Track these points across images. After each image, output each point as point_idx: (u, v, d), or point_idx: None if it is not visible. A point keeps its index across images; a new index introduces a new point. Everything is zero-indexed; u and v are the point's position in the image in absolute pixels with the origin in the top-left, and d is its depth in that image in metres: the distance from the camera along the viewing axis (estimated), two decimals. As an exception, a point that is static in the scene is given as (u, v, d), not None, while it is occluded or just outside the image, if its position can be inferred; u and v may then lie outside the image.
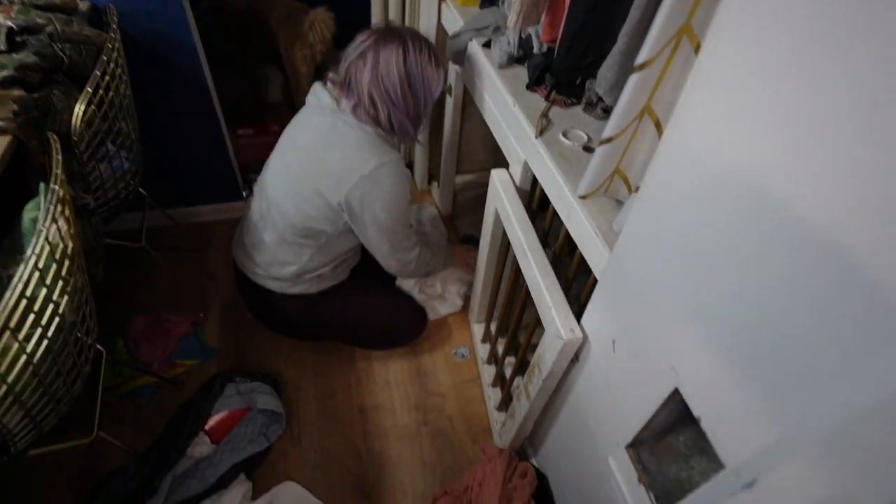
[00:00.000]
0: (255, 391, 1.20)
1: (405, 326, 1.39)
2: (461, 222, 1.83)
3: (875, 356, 0.37)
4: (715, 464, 0.58)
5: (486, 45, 1.15)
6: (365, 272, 1.38)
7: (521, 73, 1.07)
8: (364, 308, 1.32)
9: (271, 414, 1.21)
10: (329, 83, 1.13)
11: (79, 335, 0.84)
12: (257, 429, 1.18)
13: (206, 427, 1.15)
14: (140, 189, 1.35)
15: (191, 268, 1.63)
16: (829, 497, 0.42)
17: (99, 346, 1.04)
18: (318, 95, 1.13)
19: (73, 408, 0.95)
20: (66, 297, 0.76)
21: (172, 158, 1.59)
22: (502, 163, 1.11)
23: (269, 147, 1.92)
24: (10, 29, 0.87)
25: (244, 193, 1.78)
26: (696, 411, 0.59)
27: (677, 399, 0.64)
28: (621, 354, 0.74)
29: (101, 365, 1.06)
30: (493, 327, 1.37)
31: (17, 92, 0.81)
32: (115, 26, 1.07)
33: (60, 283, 0.74)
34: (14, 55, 0.85)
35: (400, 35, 1.05)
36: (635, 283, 0.69)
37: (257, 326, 1.44)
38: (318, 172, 1.08)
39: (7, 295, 0.62)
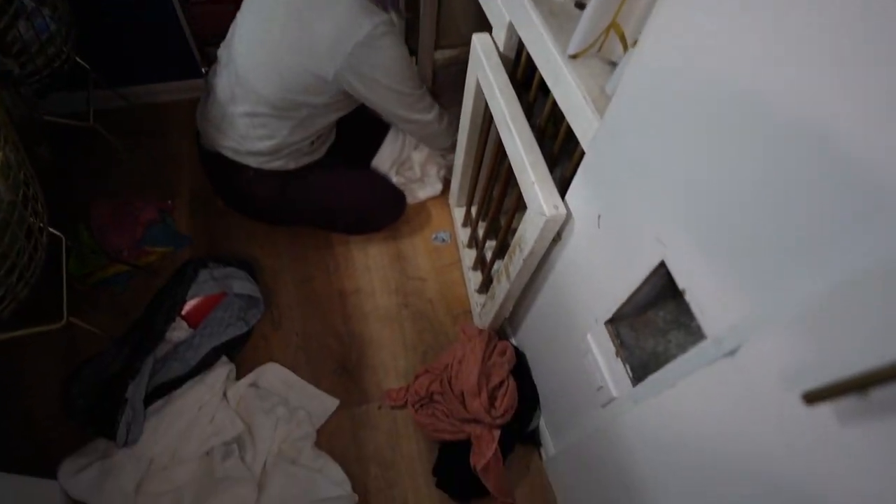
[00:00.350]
0: (230, 276, 1.17)
1: (382, 209, 1.34)
2: (441, 102, 1.71)
3: (852, 232, 0.36)
4: (693, 337, 0.58)
5: None
6: (341, 153, 1.31)
7: (508, -88, 0.91)
8: (339, 188, 1.26)
9: (248, 298, 1.19)
10: None
11: (26, 217, 0.78)
12: (235, 313, 1.17)
13: (183, 312, 1.14)
14: (80, 61, 1.21)
15: (153, 153, 1.52)
16: (806, 363, 0.41)
17: (56, 232, 0.99)
18: None
19: (42, 297, 0.92)
20: (-3, 174, 0.68)
21: (115, 28, 1.41)
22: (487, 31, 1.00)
23: (229, 17, 1.73)
24: None
25: (203, 70, 1.62)
26: (680, 284, 0.57)
27: (662, 273, 0.62)
28: (607, 230, 0.71)
29: (61, 251, 1.01)
30: (473, 211, 1.33)
31: None
32: None
33: (-13, 157, 0.66)
34: None
35: None
36: (626, 152, 0.63)
37: (229, 213, 1.39)
38: (306, 43, 0.98)
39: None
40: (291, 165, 1.18)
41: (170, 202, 1.42)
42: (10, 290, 0.77)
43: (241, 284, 1.17)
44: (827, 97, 0.37)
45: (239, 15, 1.09)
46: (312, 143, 1.19)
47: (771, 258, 0.44)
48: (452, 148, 1.32)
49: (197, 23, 1.64)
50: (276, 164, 1.16)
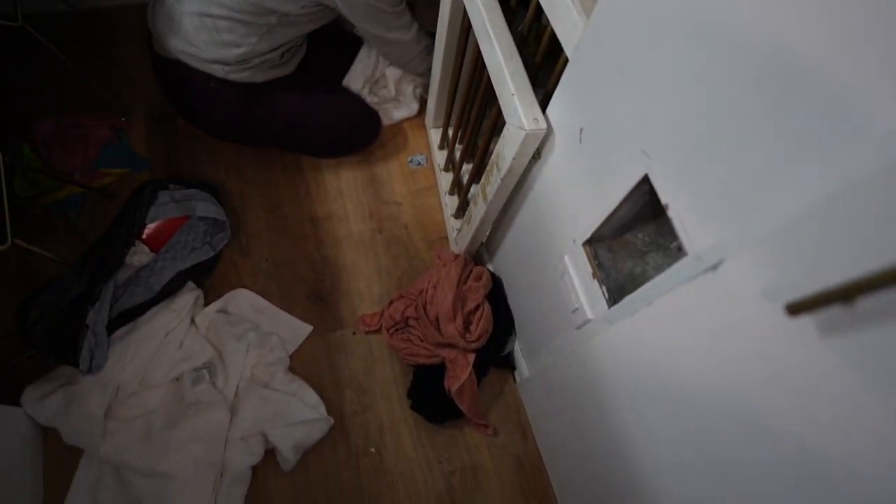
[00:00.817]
0: (193, 198, 1.11)
1: (355, 130, 1.27)
2: (420, 17, 1.59)
3: (832, 147, 0.35)
4: (671, 259, 0.55)
5: None
6: (311, 69, 1.21)
7: None
8: (308, 105, 1.18)
9: (213, 222, 1.13)
10: None
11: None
12: (200, 237, 1.11)
13: (143, 236, 1.08)
14: (4, -50, 1.06)
15: (101, 64, 1.39)
16: (788, 276, 0.39)
17: (-8, 147, 0.90)
18: None
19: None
20: None
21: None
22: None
23: None
24: None
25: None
26: (664, 198, 0.54)
27: (645, 189, 0.59)
28: (589, 144, 0.67)
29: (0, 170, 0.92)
30: (450, 133, 1.27)
31: None
32: None
33: None
34: None
35: None
36: (613, 57, 0.58)
37: (191, 134, 1.29)
38: None
39: None
40: (258, 78, 1.09)
41: (123, 119, 1.31)
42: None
43: (205, 207, 1.11)
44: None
45: None
46: (282, 54, 1.10)
47: (754, 171, 0.42)
48: (428, 72, 1.23)
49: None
50: (242, 76, 1.06)
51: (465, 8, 0.91)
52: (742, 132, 0.42)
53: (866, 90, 0.32)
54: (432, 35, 1.15)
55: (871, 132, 0.32)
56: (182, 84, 1.09)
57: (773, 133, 0.39)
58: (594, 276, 0.71)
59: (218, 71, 1.04)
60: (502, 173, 0.81)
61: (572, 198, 0.74)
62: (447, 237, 1.27)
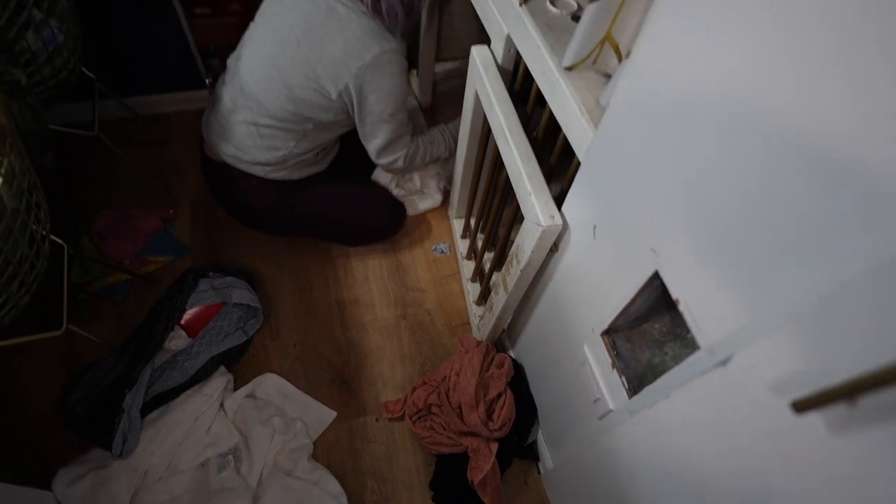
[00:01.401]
0: (230, 286, 1.18)
1: (383, 221, 1.35)
2: (441, 114, 1.73)
3: (844, 238, 0.36)
4: (689, 349, 0.57)
5: None
6: (342, 164, 1.32)
7: (507, -72, 0.93)
8: (340, 200, 1.27)
9: (248, 308, 1.19)
10: None
11: (29, 225, 0.79)
12: (234, 323, 1.17)
13: (182, 321, 1.14)
14: (85, 71, 1.23)
15: (156, 162, 1.54)
16: (800, 370, 0.41)
17: (58, 240, 1.00)
18: None
19: (43, 304, 0.94)
20: (0, 181, 0.69)
21: (120, 38, 1.44)
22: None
23: (231, 29, 1.75)
24: None
25: (207, 81, 1.64)
26: (674, 294, 0.57)
27: (656, 284, 0.62)
28: (602, 240, 0.71)
29: (63, 259, 1.01)
30: (472, 223, 1.34)
31: None
32: None
33: (-10, 165, 0.67)
34: None
35: None
36: (620, 162, 0.64)
37: (230, 224, 1.39)
38: (315, 61, 1.00)
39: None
40: (295, 176, 1.19)
41: (172, 211, 1.43)
42: (12, 297, 0.78)
43: (241, 294, 1.17)
44: (814, 102, 0.37)
45: (252, 27, 1.10)
46: (317, 154, 1.21)
47: (761, 269, 0.44)
48: (443, 162, 1.32)
49: (201, 34, 1.66)
50: (280, 175, 1.17)
51: (484, 113, 1.00)
52: (745, 233, 0.45)
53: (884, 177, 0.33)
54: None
55: (883, 223, 0.33)
56: (227, 182, 1.19)
57: (775, 231, 0.42)
58: (613, 366, 0.72)
59: (259, 171, 1.15)
60: (521, 265, 0.85)
61: (589, 289, 0.77)
62: (469, 323, 1.30)
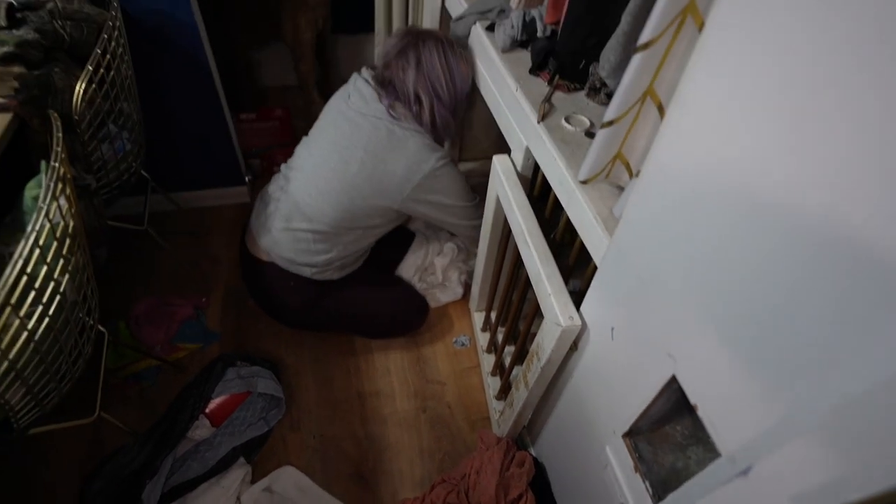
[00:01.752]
0: (256, 375, 1.21)
1: (408, 315, 1.39)
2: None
3: (871, 344, 0.36)
4: (712, 454, 0.58)
5: (490, 28, 1.14)
6: (370, 261, 1.39)
7: (525, 57, 1.05)
8: (370, 297, 1.33)
9: (271, 398, 1.21)
10: (367, 78, 1.18)
11: (80, 315, 0.85)
12: (257, 413, 1.18)
13: (207, 410, 1.16)
14: (143, 172, 1.35)
15: (193, 252, 1.63)
16: (822, 483, 0.42)
17: (101, 328, 1.05)
18: (360, 88, 1.17)
19: (76, 388, 0.96)
20: (66, 276, 0.76)
21: (175, 142, 1.59)
22: (505, 150, 1.10)
23: (272, 133, 1.92)
24: (9, 5, 0.86)
25: (246, 178, 1.78)
26: (692, 399, 0.58)
27: (674, 387, 0.63)
28: (620, 342, 0.73)
29: (103, 346, 1.06)
30: (493, 316, 1.37)
31: (17, 69, 0.81)
32: (115, 4, 1.06)
33: (61, 261, 0.74)
34: (14, 31, 0.85)
35: (432, 35, 1.14)
36: (634, 269, 0.68)
37: (258, 313, 1.45)
38: (378, 177, 1.13)
39: (7, 271, 0.62)
40: (336, 276, 1.26)
41: (204, 299, 1.50)
42: (58, 385, 0.82)
43: (266, 384, 1.20)
44: (828, 205, 0.39)
45: (310, 142, 1.22)
46: (359, 257, 1.30)
47: (781, 374, 0.45)
48: (469, 256, 1.40)
49: (244, 137, 1.83)
50: (325, 276, 1.24)
51: (505, 215, 1.07)
52: (762, 339, 0.46)
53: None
54: None
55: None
56: (265, 279, 1.26)
57: (796, 335, 0.42)
58: (636, 469, 0.72)
59: (306, 272, 1.22)
60: (542, 363, 0.87)
61: (609, 390, 0.78)
62: (489, 418, 1.29)
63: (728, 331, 0.52)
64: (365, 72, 1.21)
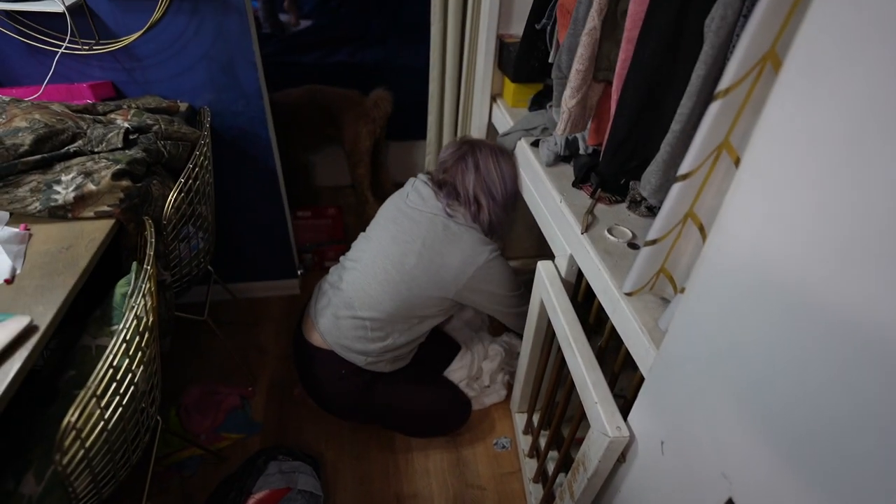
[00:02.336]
0: (297, 471, 1.21)
1: (451, 415, 1.39)
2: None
3: None
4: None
5: (534, 144, 1.24)
6: (417, 361, 1.42)
7: (568, 171, 1.13)
8: (416, 395, 1.36)
9: (310, 496, 1.20)
10: (425, 180, 1.31)
11: (144, 405, 0.90)
12: (295, 510, 1.17)
13: (247, 505, 1.16)
14: (209, 266, 1.46)
15: (243, 341, 1.70)
16: None
17: (158, 417, 1.10)
18: (419, 188, 1.29)
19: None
20: (141, 368, 0.82)
21: (240, 238, 1.72)
22: (547, 250, 1.15)
23: (325, 229, 2.05)
24: (126, 129, 1.02)
25: (299, 272, 1.88)
26: (752, 525, 0.56)
27: (732, 510, 0.61)
28: (670, 457, 0.72)
29: (156, 434, 1.10)
30: (535, 419, 1.35)
31: (125, 182, 0.94)
32: (207, 125, 1.23)
33: (140, 354, 0.80)
34: (127, 151, 0.99)
35: (486, 144, 1.29)
36: (683, 384, 0.68)
37: (302, 405, 1.47)
38: (435, 269, 1.21)
39: (100, 365, 0.68)
40: (387, 368, 1.30)
41: (250, 388, 1.54)
42: (116, 473, 0.85)
43: (306, 480, 1.19)
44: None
45: (370, 235, 1.32)
46: (412, 350, 1.34)
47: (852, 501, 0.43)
48: (513, 357, 1.41)
49: (299, 233, 1.96)
50: (378, 366, 1.28)
51: (549, 319, 1.10)
52: (828, 461, 0.45)
53: None
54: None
55: None
56: (316, 364, 1.30)
57: (867, 457, 0.41)
58: None
59: (360, 361, 1.26)
60: (588, 474, 0.86)
61: (661, 507, 0.76)
62: (532, 529, 1.23)
63: (789, 455, 0.50)
64: (422, 176, 1.34)
